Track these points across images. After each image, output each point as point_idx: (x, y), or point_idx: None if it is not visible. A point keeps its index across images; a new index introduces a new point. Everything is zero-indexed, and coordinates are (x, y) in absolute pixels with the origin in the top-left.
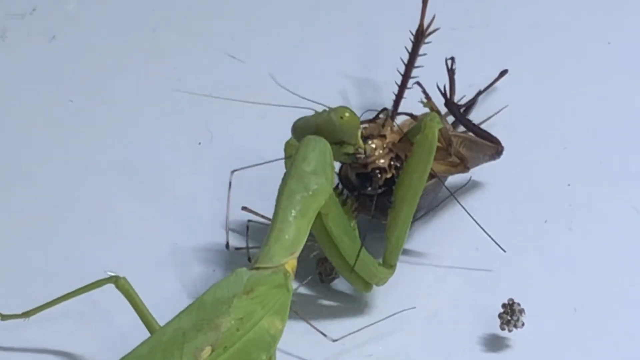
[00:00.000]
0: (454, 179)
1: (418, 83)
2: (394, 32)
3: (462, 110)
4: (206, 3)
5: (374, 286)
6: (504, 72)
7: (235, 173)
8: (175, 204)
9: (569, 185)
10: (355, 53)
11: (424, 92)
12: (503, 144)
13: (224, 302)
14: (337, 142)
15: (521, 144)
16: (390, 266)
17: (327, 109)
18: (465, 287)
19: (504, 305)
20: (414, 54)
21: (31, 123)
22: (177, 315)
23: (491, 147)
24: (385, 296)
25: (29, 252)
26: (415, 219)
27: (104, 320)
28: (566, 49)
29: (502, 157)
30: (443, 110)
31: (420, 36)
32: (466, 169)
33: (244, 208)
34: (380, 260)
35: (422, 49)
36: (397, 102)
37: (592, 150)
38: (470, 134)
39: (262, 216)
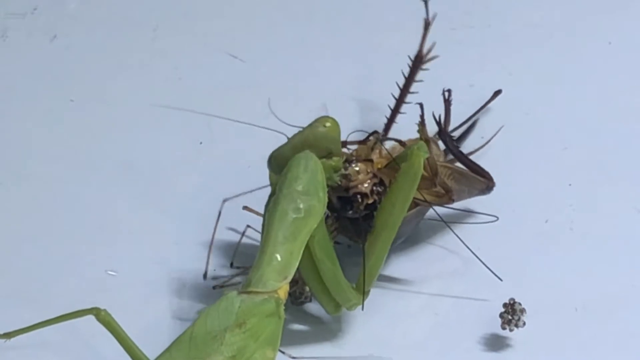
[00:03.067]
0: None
1: (420, 106)
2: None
3: (457, 138)
4: (207, 2)
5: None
6: (497, 93)
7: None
8: (176, 203)
9: (570, 185)
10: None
11: (422, 116)
12: (505, 143)
13: (216, 338)
14: (324, 156)
15: (522, 144)
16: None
17: (301, 129)
18: (466, 287)
19: (505, 305)
20: (410, 79)
21: (32, 122)
22: (168, 349)
23: (482, 182)
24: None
25: (29, 251)
26: (393, 246)
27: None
28: (567, 49)
29: (509, 153)
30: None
31: (418, 62)
32: (451, 200)
33: (245, 207)
34: (354, 285)
35: (419, 76)
36: (388, 126)
37: (593, 150)
38: (461, 165)
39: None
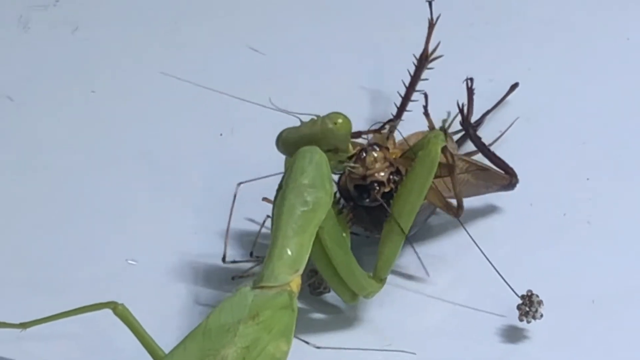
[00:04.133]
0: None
1: (425, 96)
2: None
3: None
4: None
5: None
6: (514, 86)
7: (249, 169)
8: (195, 193)
9: (588, 179)
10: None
11: (425, 107)
12: (524, 137)
13: (229, 330)
14: (329, 150)
15: (541, 138)
16: (380, 280)
17: (315, 118)
18: (484, 279)
19: (522, 297)
20: (415, 78)
21: (54, 113)
22: (182, 342)
23: (504, 177)
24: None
25: (49, 241)
26: (409, 235)
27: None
28: (585, 44)
29: (528, 147)
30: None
31: (423, 61)
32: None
33: (264, 199)
34: (371, 273)
35: (425, 74)
36: (394, 124)
37: (610, 145)
38: (480, 160)
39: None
